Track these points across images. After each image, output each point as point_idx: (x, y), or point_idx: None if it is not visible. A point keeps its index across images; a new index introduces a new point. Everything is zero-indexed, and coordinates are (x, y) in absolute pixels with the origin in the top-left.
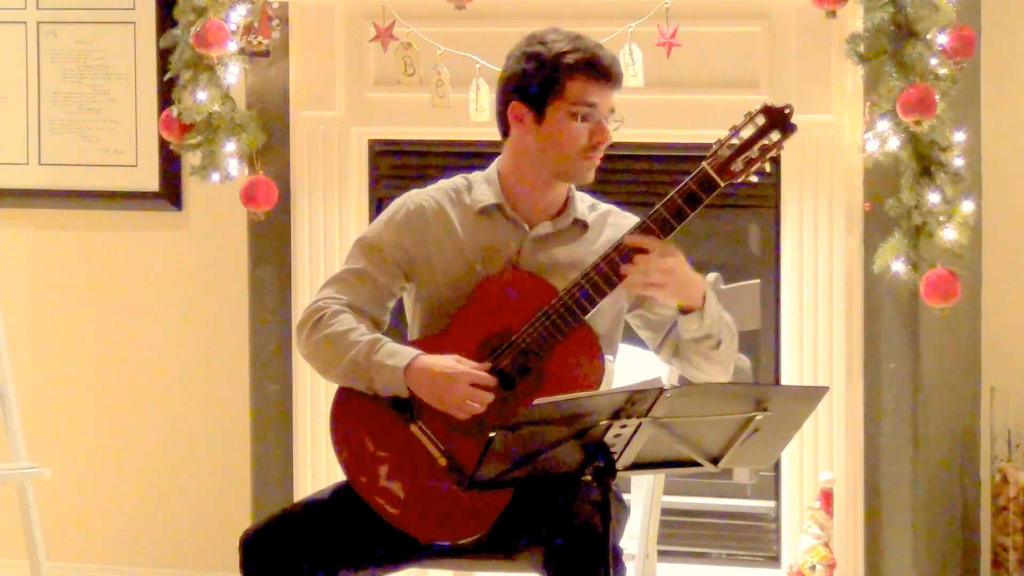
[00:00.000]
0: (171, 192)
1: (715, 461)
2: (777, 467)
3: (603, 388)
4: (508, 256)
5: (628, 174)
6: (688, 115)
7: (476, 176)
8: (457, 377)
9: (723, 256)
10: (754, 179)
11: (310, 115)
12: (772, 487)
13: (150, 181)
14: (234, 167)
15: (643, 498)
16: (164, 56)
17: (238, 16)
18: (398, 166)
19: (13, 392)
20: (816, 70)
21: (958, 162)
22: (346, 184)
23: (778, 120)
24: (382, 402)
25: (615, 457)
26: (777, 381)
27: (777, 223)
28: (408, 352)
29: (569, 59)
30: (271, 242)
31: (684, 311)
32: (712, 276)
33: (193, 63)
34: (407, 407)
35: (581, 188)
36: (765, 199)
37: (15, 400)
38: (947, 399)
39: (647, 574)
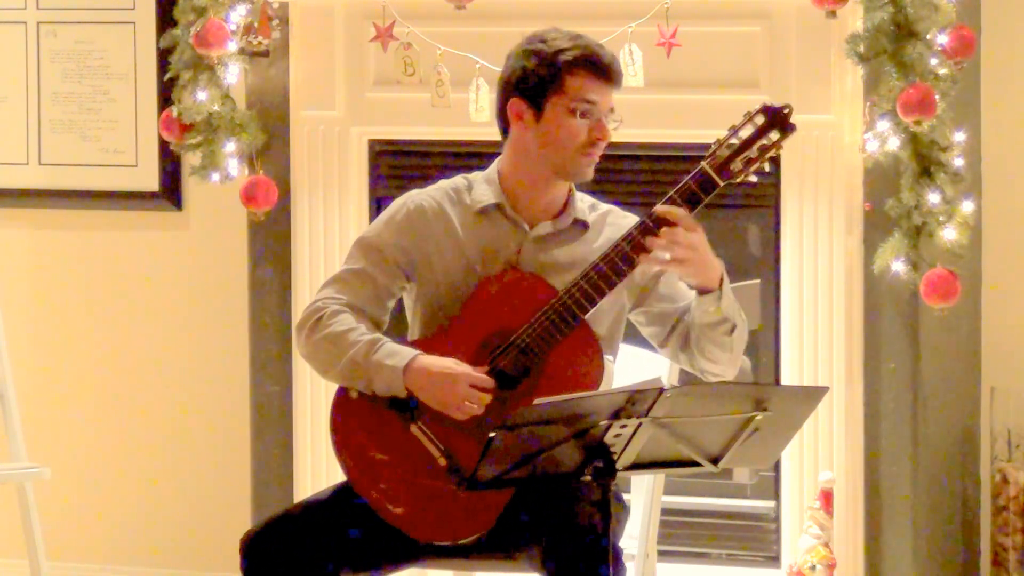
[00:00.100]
0: (171, 192)
1: (715, 461)
2: (777, 467)
3: (603, 388)
4: (508, 256)
5: (628, 174)
6: (688, 115)
7: (476, 176)
8: (456, 378)
9: (723, 256)
10: (753, 179)
11: (310, 115)
12: (772, 487)
13: (150, 181)
14: (234, 167)
15: (643, 498)
16: (164, 56)
17: (238, 16)
18: (398, 166)
19: (13, 392)
20: (816, 70)
21: (958, 162)
22: (346, 184)
23: (777, 120)
24: (382, 402)
25: (615, 457)
26: (777, 381)
27: (777, 223)
28: (407, 352)
29: (568, 55)
30: (271, 242)
31: (701, 292)
32: None
33: (193, 63)
34: (407, 407)
35: (581, 188)
36: (765, 199)
37: (15, 400)
38: (947, 399)
39: (647, 574)
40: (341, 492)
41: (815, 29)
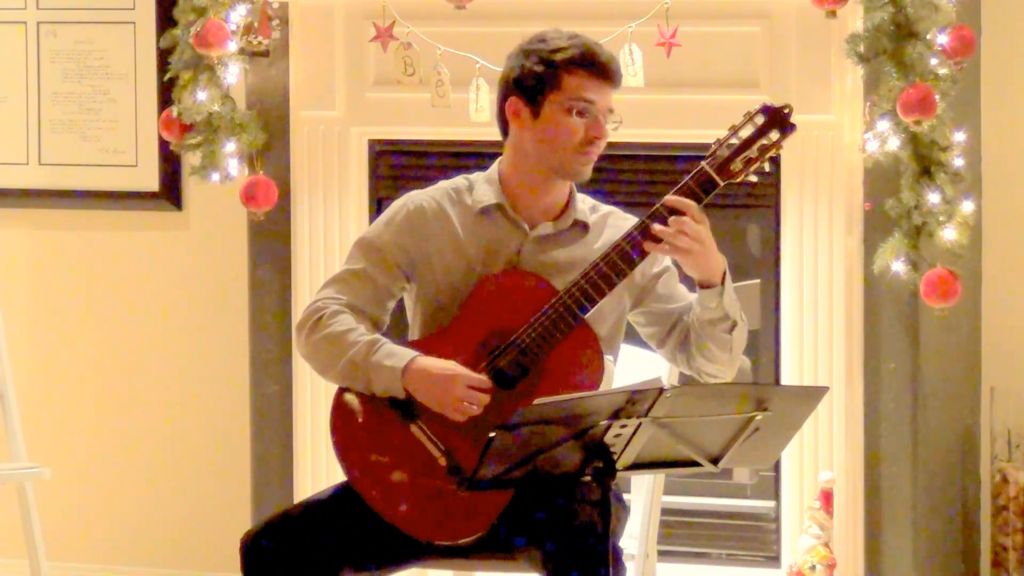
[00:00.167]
0: (171, 192)
1: (715, 461)
2: (777, 467)
3: (603, 388)
4: (508, 256)
5: (628, 174)
6: (688, 115)
7: (477, 176)
8: (453, 379)
9: (723, 256)
10: (753, 179)
11: (310, 115)
12: (772, 487)
13: (150, 181)
14: (234, 167)
15: (643, 498)
16: (164, 56)
17: (238, 16)
18: (398, 166)
19: (13, 392)
20: (816, 70)
21: (958, 162)
22: (346, 184)
23: (777, 119)
24: (382, 402)
25: (615, 457)
26: (777, 381)
27: (777, 223)
28: (406, 353)
29: (566, 54)
30: (271, 242)
31: (703, 287)
32: None
33: (193, 63)
34: (407, 407)
35: (582, 188)
36: (765, 199)
37: (15, 400)
38: (947, 399)
39: (647, 574)
40: (341, 492)
41: (815, 29)
